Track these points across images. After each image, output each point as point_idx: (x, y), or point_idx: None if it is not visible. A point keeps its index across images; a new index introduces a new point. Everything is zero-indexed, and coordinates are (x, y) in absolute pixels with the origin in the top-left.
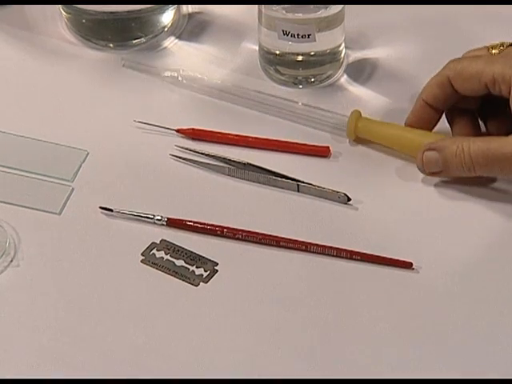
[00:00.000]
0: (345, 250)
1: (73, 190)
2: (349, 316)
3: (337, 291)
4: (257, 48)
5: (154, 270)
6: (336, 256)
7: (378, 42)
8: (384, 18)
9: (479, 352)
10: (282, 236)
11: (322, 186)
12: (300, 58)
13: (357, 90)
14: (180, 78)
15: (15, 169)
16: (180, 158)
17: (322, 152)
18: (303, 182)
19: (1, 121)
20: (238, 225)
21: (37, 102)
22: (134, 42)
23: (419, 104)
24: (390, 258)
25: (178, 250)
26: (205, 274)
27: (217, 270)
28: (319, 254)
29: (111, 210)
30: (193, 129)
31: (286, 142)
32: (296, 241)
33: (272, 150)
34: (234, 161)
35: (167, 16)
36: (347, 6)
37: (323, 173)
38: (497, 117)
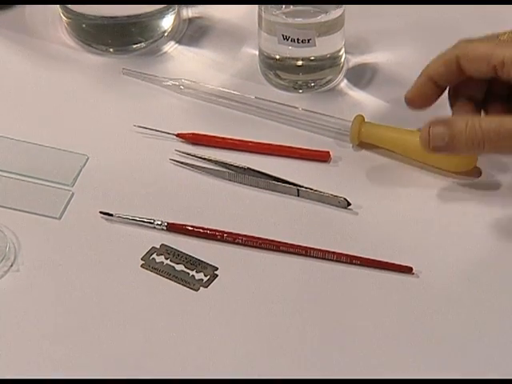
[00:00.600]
0: (345, 254)
1: (73, 194)
2: (349, 320)
3: (337, 296)
4: (257, 53)
5: (154, 274)
6: (336, 261)
7: (378, 46)
8: (384, 23)
9: (479, 352)
10: (282, 241)
11: (322, 190)
12: (300, 62)
13: (357, 94)
14: (182, 87)
15: (15, 173)
16: (180, 162)
17: (322, 157)
18: (303, 187)
19: (1, 125)
20: (237, 229)
21: (37, 107)
22: (134, 46)
23: (423, 79)
24: (390, 263)
25: (178, 255)
26: (205, 279)
27: (217, 275)
28: (319, 258)
29: (111, 215)
30: (193, 133)
31: (286, 146)
32: (296, 245)
33: (272, 154)
34: (233, 165)
35: (167, 21)
36: (347, 11)
37: (323, 177)
38: (499, 108)
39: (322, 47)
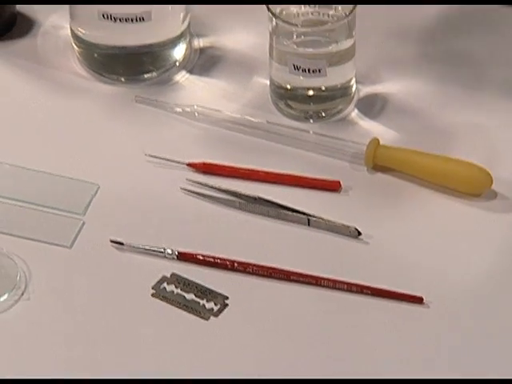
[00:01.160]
0: (355, 284)
1: (84, 223)
2: (359, 350)
3: (347, 325)
4: (268, 83)
5: (165, 303)
6: (346, 290)
7: (389, 76)
8: (394, 53)
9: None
10: (293, 270)
11: (333, 220)
12: (311, 92)
13: (368, 124)
14: (196, 114)
15: (26, 202)
16: (191, 191)
17: (332, 186)
18: (314, 216)
19: (12, 154)
20: (248, 259)
21: (48, 136)
22: (146, 76)
23: None
24: (401, 293)
25: (189, 284)
26: (215, 308)
27: (227, 304)
28: (330, 288)
29: (122, 244)
30: (204, 163)
31: (297, 176)
32: (306, 275)
33: (282, 183)
34: (244, 195)
35: (179, 50)
36: (358, 41)
37: (334, 207)
38: None
39: (333, 77)
